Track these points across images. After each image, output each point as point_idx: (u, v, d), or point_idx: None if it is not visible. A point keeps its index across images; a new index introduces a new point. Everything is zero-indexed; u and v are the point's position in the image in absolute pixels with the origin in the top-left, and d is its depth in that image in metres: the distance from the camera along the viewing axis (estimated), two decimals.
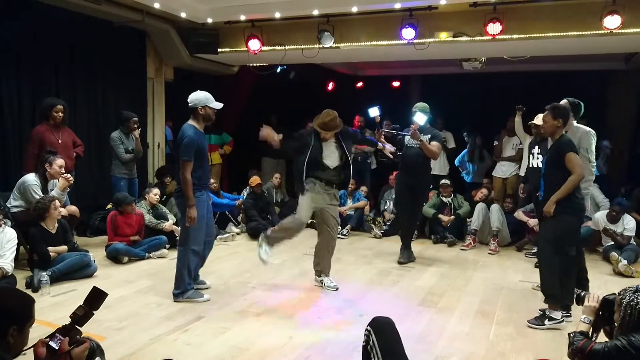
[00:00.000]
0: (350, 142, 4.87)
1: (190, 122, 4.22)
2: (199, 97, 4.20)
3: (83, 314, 2.00)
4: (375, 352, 2.20)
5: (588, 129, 4.67)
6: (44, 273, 4.46)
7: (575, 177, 3.80)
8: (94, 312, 2.04)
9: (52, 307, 4.09)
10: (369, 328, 2.30)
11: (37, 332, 3.48)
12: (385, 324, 2.31)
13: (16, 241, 4.54)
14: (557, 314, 3.85)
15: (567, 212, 3.85)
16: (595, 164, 4.76)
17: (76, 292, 4.46)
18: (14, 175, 5.68)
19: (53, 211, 4.84)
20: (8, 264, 4.33)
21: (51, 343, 1.90)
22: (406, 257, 5.84)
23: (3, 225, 4.50)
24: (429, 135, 5.63)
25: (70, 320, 2.00)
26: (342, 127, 4.74)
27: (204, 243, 4.44)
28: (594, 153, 4.72)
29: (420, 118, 5.55)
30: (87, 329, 3.48)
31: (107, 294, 2.08)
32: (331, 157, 4.70)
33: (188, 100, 4.23)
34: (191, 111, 4.22)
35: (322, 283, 4.81)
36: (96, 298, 2.04)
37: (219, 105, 4.28)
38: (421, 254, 6.31)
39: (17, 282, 4.42)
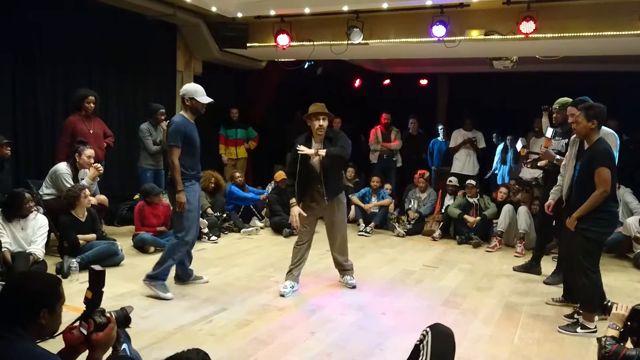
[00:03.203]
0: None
1: (181, 111, 4.31)
2: (188, 88, 4.25)
3: (92, 297, 2.03)
4: (425, 352, 2.17)
5: (611, 131, 4.50)
6: (74, 260, 4.56)
7: (597, 193, 3.63)
8: (103, 290, 2.06)
9: (80, 293, 4.08)
10: (428, 329, 2.26)
11: (65, 317, 3.57)
12: (445, 333, 2.27)
13: (47, 228, 4.66)
14: (591, 324, 3.74)
15: (598, 224, 3.71)
16: None
17: None
18: (46, 163, 5.83)
19: (83, 200, 4.94)
20: (39, 250, 4.45)
21: (81, 329, 1.96)
22: (556, 280, 4.99)
23: (35, 212, 4.63)
24: (566, 141, 4.74)
25: (85, 305, 2.03)
26: (336, 133, 4.52)
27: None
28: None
29: (550, 133, 4.87)
30: None
31: (104, 270, 2.08)
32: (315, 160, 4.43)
33: (181, 89, 4.32)
34: (181, 101, 4.30)
35: (342, 279, 4.80)
36: (97, 279, 2.05)
37: (206, 100, 4.24)
38: (445, 254, 6.25)
39: (48, 268, 4.53)
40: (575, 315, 3.92)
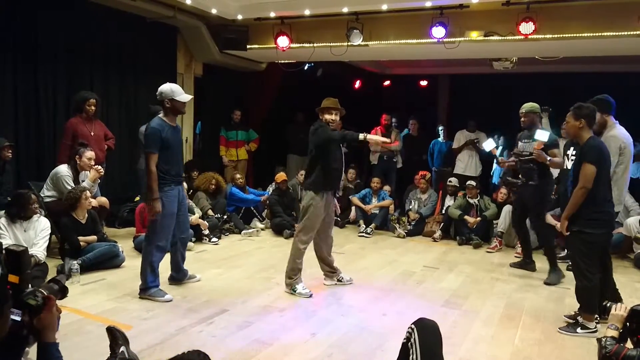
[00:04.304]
0: None
1: (160, 115, 4.19)
2: (165, 90, 4.10)
3: (19, 282, 1.89)
4: (414, 350, 2.18)
5: (617, 133, 4.49)
6: (75, 262, 4.56)
7: (577, 190, 3.64)
8: (29, 271, 1.94)
9: (82, 295, 4.19)
10: (413, 326, 2.27)
11: (67, 319, 3.59)
12: (430, 326, 2.29)
13: (49, 230, 4.67)
14: (591, 324, 3.75)
15: (592, 225, 3.69)
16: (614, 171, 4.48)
17: (105, 282, 4.57)
18: (48, 165, 5.84)
19: (84, 201, 4.95)
20: (41, 252, 4.45)
21: (13, 317, 1.83)
22: (555, 278, 5.11)
23: (38, 214, 4.63)
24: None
25: (11, 291, 1.88)
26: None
27: (177, 241, 4.43)
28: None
29: (542, 136, 4.86)
30: (115, 319, 3.58)
31: (25, 249, 1.94)
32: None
33: (157, 92, 4.15)
34: (160, 104, 4.19)
35: (338, 281, 4.82)
36: (19, 261, 1.92)
37: (186, 98, 4.14)
38: (446, 255, 6.26)
39: (49, 270, 4.54)
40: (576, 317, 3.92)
